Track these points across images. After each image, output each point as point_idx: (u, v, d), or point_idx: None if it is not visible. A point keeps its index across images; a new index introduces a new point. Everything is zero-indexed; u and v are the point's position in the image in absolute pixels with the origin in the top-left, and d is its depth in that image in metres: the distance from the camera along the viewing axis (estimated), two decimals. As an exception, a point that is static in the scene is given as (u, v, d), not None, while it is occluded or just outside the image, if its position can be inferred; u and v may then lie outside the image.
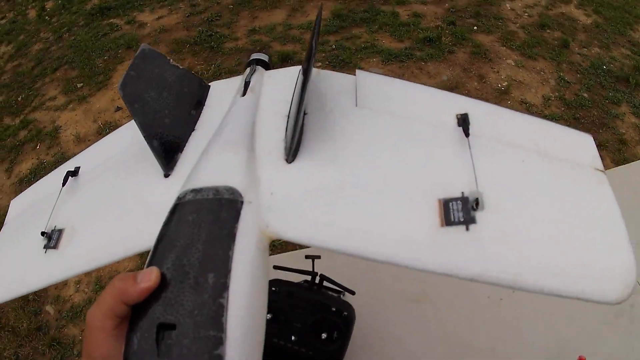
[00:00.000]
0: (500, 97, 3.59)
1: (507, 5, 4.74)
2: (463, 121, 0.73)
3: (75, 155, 1.10)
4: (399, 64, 3.88)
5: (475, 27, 4.36)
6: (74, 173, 1.00)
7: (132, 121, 1.04)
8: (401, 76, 3.80)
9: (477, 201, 0.59)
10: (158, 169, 0.83)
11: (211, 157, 0.74)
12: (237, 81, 0.99)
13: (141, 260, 2.76)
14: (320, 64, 4.05)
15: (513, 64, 3.93)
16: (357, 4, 4.78)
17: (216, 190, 0.62)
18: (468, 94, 3.58)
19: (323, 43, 4.26)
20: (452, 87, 3.67)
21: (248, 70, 1.00)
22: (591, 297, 0.52)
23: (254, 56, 1.05)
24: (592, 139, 0.74)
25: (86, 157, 1.08)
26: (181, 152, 0.85)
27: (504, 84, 3.72)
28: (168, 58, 0.95)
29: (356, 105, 0.81)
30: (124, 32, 4.93)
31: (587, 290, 0.53)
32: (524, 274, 0.55)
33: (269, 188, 0.67)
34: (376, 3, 4.67)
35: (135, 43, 4.68)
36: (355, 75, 0.87)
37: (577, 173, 0.68)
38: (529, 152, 0.71)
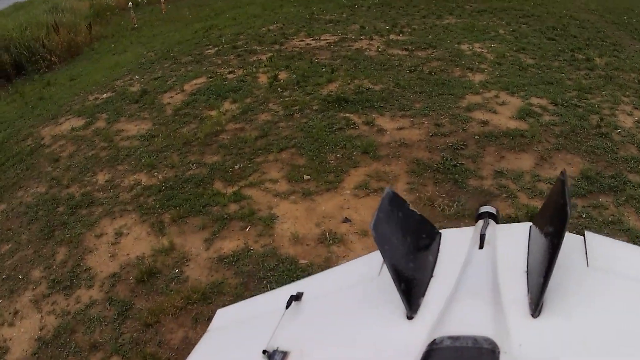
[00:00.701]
0: None
1: None
2: None
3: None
4: (642, 248, 3.34)
5: None
6: (297, 298, 1.14)
7: (362, 258, 1.25)
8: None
9: None
10: (399, 310, 0.98)
11: (462, 307, 0.91)
12: (467, 232, 1.23)
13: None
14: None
15: None
16: (604, 167, 4.27)
17: (475, 339, 0.78)
18: None
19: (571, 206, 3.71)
20: None
21: (482, 222, 1.22)
22: None
23: (485, 209, 1.26)
24: None
25: (309, 284, 1.20)
26: (423, 297, 1.01)
27: None
28: (408, 203, 1.17)
29: (587, 266, 1.00)
30: (361, 133, 4.66)
31: None
32: None
33: (518, 340, 0.81)
34: (623, 169, 4.25)
35: (372, 149, 4.35)
36: (579, 235, 1.07)
37: None
38: None
